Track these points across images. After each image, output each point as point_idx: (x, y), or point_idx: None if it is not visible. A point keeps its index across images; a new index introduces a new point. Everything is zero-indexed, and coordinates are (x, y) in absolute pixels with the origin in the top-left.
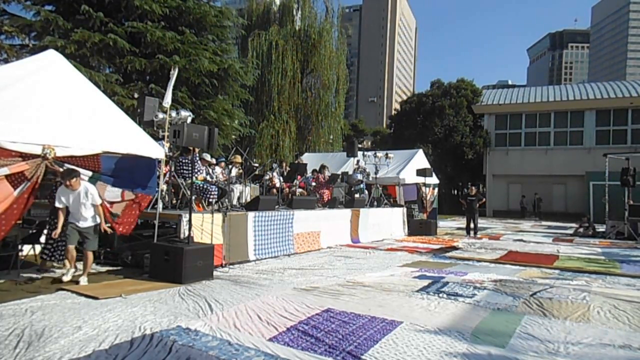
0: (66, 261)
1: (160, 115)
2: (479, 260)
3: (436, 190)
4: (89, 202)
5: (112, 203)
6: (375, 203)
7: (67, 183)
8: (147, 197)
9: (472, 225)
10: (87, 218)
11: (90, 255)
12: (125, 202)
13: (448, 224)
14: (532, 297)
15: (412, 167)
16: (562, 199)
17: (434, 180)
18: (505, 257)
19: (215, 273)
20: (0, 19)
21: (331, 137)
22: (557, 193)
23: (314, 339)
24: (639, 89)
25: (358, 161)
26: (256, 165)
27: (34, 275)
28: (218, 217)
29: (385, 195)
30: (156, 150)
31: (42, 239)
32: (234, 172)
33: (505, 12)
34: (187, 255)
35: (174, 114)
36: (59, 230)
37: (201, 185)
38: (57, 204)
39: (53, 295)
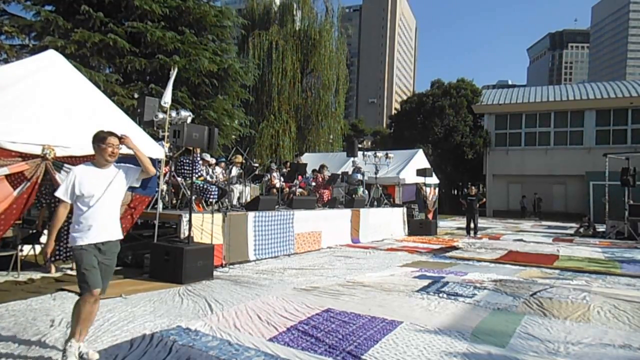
0: (77, 329)
1: (160, 115)
2: (479, 260)
3: (437, 190)
4: (123, 189)
5: None
6: (375, 203)
7: (112, 151)
8: (144, 200)
9: (472, 225)
10: (115, 222)
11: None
12: (122, 207)
13: (448, 224)
14: (532, 297)
15: (412, 167)
16: (562, 199)
17: (434, 180)
18: (506, 257)
19: (215, 273)
20: (0, 19)
21: (331, 137)
22: (557, 193)
23: (314, 339)
24: (639, 89)
25: (354, 161)
26: (256, 165)
27: (34, 275)
28: (218, 217)
29: (385, 195)
30: (156, 150)
31: (43, 239)
32: (234, 172)
33: (505, 12)
34: (187, 255)
35: (174, 114)
36: (51, 246)
37: (201, 185)
38: (62, 195)
39: (53, 295)
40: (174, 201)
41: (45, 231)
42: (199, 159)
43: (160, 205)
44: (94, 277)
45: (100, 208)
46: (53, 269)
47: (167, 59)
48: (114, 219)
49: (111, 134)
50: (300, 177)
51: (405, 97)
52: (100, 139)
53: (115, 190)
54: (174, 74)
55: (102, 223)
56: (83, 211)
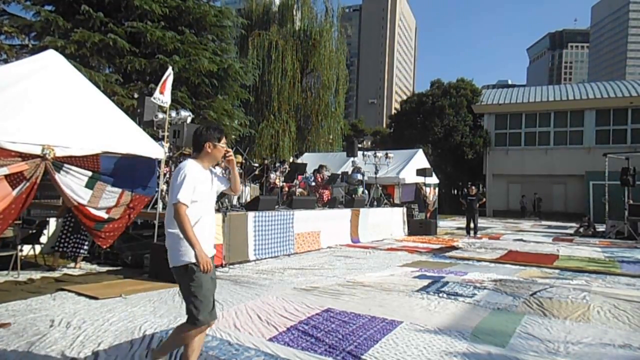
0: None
1: (160, 115)
2: (479, 260)
3: (437, 190)
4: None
5: (107, 209)
6: (375, 203)
7: (225, 152)
8: (143, 200)
9: (472, 225)
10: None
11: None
12: (122, 207)
13: (448, 224)
14: (532, 297)
15: (412, 167)
16: (562, 199)
17: (434, 180)
18: (505, 256)
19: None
20: (0, 19)
21: (331, 137)
22: (557, 193)
23: (314, 338)
24: (639, 89)
25: (354, 161)
26: (256, 165)
27: (34, 275)
28: (218, 217)
29: (385, 195)
30: (156, 150)
31: (43, 239)
32: None
33: (505, 12)
34: None
35: (174, 114)
36: (205, 254)
37: None
38: (187, 200)
39: (53, 296)
40: None
41: (45, 231)
42: None
43: (160, 205)
44: (210, 306)
45: (210, 215)
46: (57, 265)
47: (167, 59)
48: (213, 227)
49: (224, 132)
50: (300, 177)
51: (405, 97)
52: (215, 137)
53: (217, 189)
54: (168, 73)
55: (210, 234)
56: (195, 219)
